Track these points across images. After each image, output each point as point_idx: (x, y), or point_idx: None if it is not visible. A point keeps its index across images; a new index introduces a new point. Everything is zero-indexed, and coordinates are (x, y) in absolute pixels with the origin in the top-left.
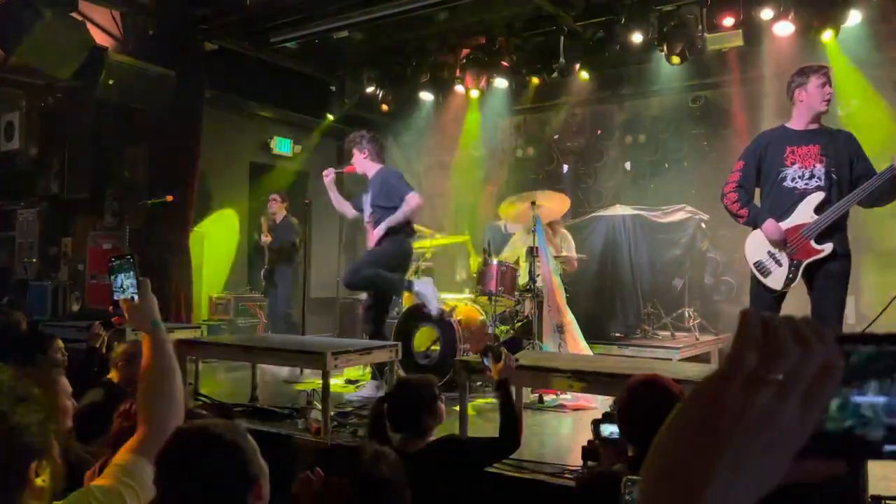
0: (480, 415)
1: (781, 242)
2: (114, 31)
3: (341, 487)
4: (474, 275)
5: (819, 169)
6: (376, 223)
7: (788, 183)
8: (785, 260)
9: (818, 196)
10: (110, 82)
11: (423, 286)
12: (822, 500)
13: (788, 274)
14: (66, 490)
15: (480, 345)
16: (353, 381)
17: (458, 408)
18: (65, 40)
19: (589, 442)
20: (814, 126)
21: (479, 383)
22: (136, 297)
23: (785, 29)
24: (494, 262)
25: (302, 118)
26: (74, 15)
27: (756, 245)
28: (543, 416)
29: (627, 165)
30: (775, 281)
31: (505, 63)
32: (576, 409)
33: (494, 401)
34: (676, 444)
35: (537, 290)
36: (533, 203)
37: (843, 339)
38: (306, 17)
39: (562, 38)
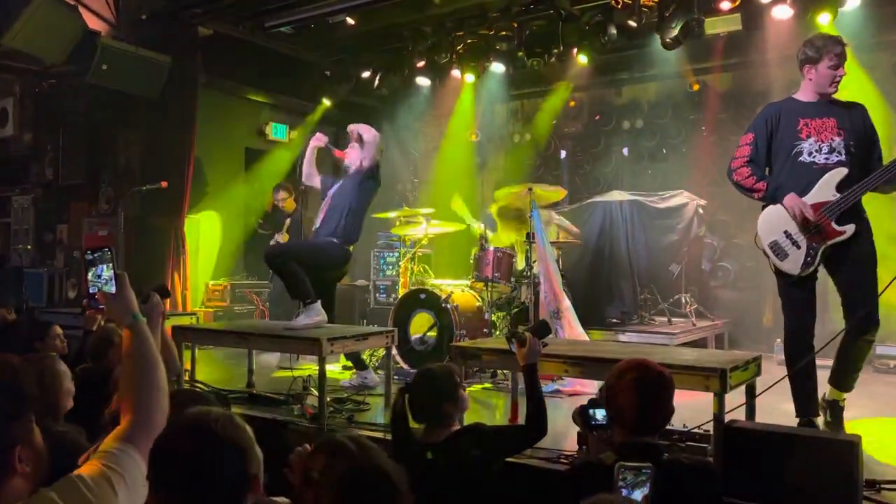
0: (476, 401)
1: (806, 219)
2: (107, 16)
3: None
4: (471, 261)
5: (838, 142)
6: (330, 210)
7: (805, 157)
8: (803, 241)
9: (841, 171)
10: (104, 67)
11: (306, 317)
12: (819, 486)
13: (806, 257)
14: (65, 470)
15: (477, 331)
16: (349, 366)
17: None
18: (57, 25)
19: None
20: (824, 100)
21: (475, 369)
22: (112, 290)
23: (783, 12)
24: (491, 248)
25: (297, 103)
26: None
27: (772, 223)
28: None
29: (625, 151)
30: (791, 265)
31: (502, 47)
32: (572, 395)
33: (491, 386)
34: None
35: (534, 276)
36: (529, 189)
37: None
38: (301, 1)
39: (559, 22)
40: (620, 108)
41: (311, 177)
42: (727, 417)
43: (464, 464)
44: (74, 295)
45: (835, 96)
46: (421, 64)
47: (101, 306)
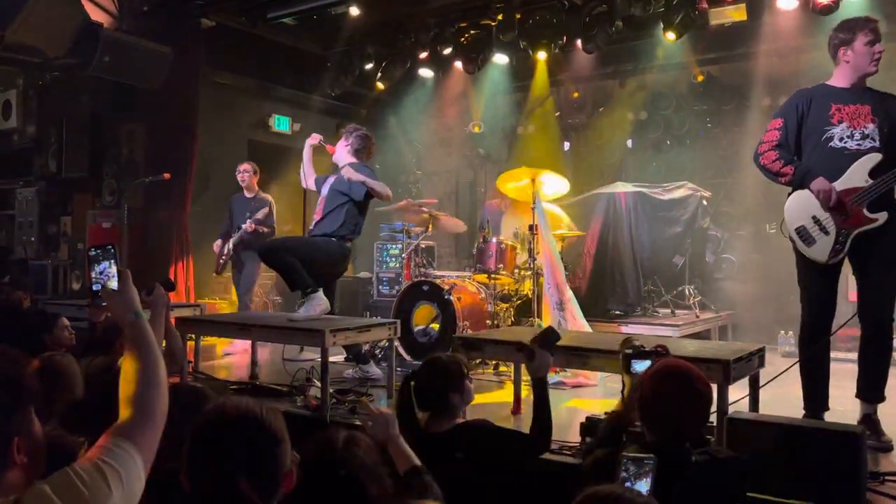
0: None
1: (835, 204)
2: (109, 8)
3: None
4: (473, 253)
5: (872, 129)
6: (326, 208)
7: (836, 143)
8: (833, 227)
9: (875, 157)
10: (106, 59)
11: (308, 307)
12: (823, 478)
13: (836, 244)
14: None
15: (480, 323)
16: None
17: None
18: (59, 17)
19: (587, 419)
20: (859, 86)
21: (478, 361)
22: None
23: (788, 2)
24: (493, 239)
25: (301, 95)
26: None
27: (799, 208)
28: None
29: (629, 143)
30: (819, 251)
31: (505, 39)
32: (575, 386)
33: (492, 371)
34: None
35: (537, 268)
36: (533, 180)
37: None
38: None
39: (563, 13)
40: (624, 99)
41: (309, 177)
42: (730, 409)
43: (465, 457)
44: (79, 287)
45: (868, 86)
46: (424, 55)
47: (104, 303)
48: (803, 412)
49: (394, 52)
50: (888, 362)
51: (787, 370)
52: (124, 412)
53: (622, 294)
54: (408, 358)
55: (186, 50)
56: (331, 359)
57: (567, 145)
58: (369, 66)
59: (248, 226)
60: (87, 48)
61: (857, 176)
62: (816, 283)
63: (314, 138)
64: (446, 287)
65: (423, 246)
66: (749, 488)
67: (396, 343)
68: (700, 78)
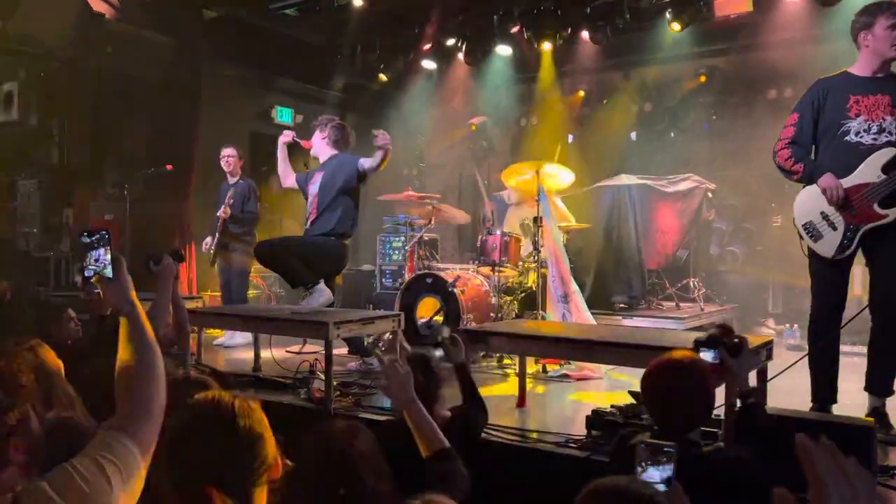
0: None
1: (840, 200)
2: None
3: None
4: (477, 245)
5: (889, 122)
6: (320, 206)
7: (852, 137)
8: (841, 223)
9: (889, 152)
10: (108, 50)
11: (311, 300)
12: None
13: (843, 240)
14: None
15: (484, 315)
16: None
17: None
18: (61, 8)
19: (593, 412)
20: (882, 73)
21: (482, 353)
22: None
23: None
24: (498, 232)
25: (303, 87)
26: None
27: (808, 204)
28: (548, 386)
29: (633, 135)
30: (826, 247)
31: (509, 30)
32: (580, 379)
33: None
34: None
35: (541, 260)
36: (537, 172)
37: None
38: None
39: (568, 4)
40: (628, 91)
41: (287, 176)
42: (738, 403)
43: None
44: (81, 279)
45: (894, 71)
46: (427, 47)
47: (97, 290)
48: (811, 405)
49: (396, 43)
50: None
51: (795, 363)
52: (121, 406)
53: (627, 287)
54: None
55: (188, 41)
56: (334, 351)
57: (571, 137)
58: (372, 57)
59: (221, 212)
60: (89, 39)
61: (869, 171)
62: (827, 276)
63: (287, 136)
64: (450, 279)
65: (427, 238)
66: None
67: (400, 336)
68: (703, 79)
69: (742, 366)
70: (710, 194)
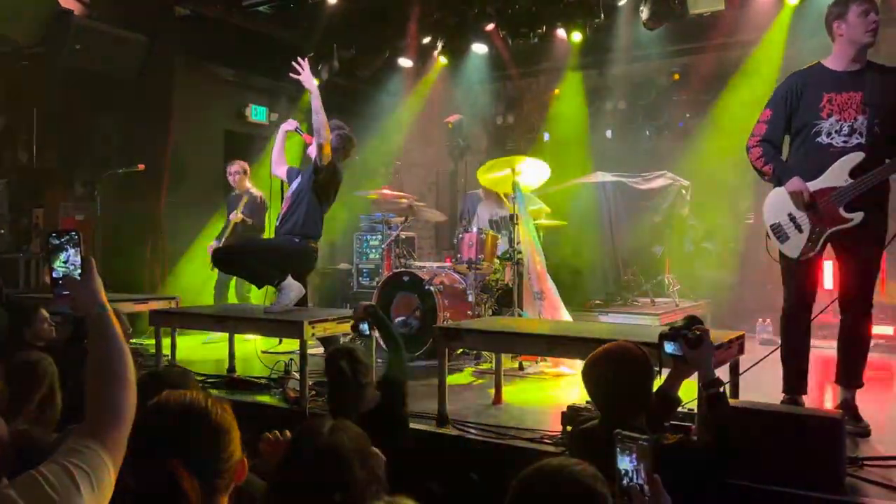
0: (458, 382)
1: (806, 204)
2: None
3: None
4: (454, 242)
5: (861, 122)
6: (291, 206)
7: (823, 139)
8: (807, 225)
9: (857, 156)
10: (77, 47)
11: (282, 298)
12: (803, 463)
13: (808, 242)
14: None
15: (461, 313)
16: None
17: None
18: (29, 4)
19: (569, 407)
20: (857, 65)
21: (459, 352)
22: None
23: None
24: (474, 229)
25: (278, 85)
26: None
27: (776, 205)
28: (523, 382)
29: (609, 133)
30: (792, 248)
31: (485, 27)
32: (556, 376)
33: (473, 370)
34: None
35: (517, 258)
36: (513, 169)
37: None
38: None
39: (543, 1)
40: (603, 89)
41: (279, 165)
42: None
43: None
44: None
45: (874, 60)
46: (403, 44)
47: (66, 292)
48: (782, 397)
49: (372, 41)
50: (866, 349)
51: (766, 356)
52: (91, 411)
53: (602, 283)
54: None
55: (161, 38)
56: (309, 351)
57: (547, 136)
58: (347, 55)
59: (233, 216)
60: (58, 36)
61: (837, 175)
62: (797, 271)
63: (290, 124)
64: (427, 278)
65: (404, 237)
66: (729, 475)
67: (377, 335)
68: (676, 77)
69: (702, 357)
70: (684, 191)
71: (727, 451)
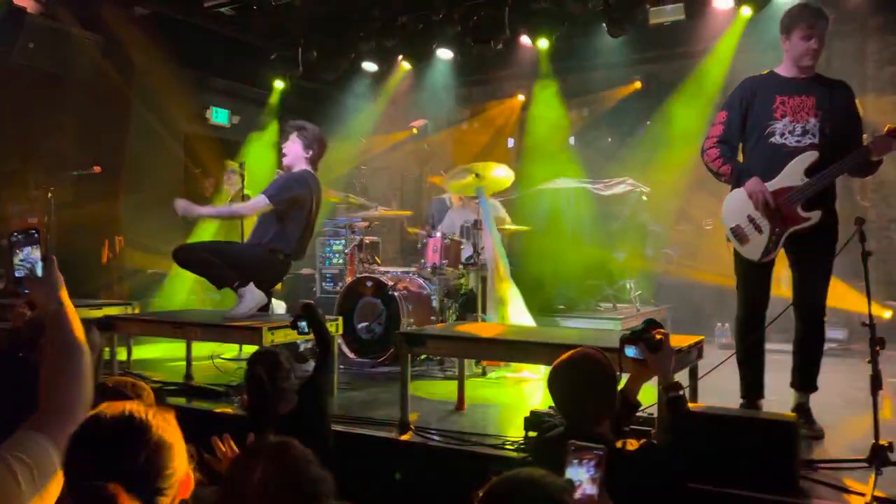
0: (421, 388)
1: (765, 204)
2: None
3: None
4: (418, 248)
5: (813, 124)
6: (258, 221)
7: (777, 139)
8: (766, 226)
9: (811, 155)
10: (31, 46)
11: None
12: (759, 466)
13: (768, 243)
14: None
15: (425, 319)
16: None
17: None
18: None
19: (531, 413)
20: (805, 75)
21: (422, 357)
22: (40, 273)
23: (724, 2)
24: (438, 234)
25: (240, 87)
26: None
27: (735, 207)
28: (487, 387)
29: (571, 140)
30: (752, 250)
31: (449, 33)
32: (519, 381)
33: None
34: None
35: (481, 263)
36: (476, 175)
37: None
38: None
39: (506, 8)
40: (567, 96)
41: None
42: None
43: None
44: (2, 286)
45: (822, 73)
46: (368, 48)
47: (27, 290)
48: (740, 401)
49: (336, 44)
50: (821, 353)
51: (724, 361)
52: (43, 405)
53: (565, 288)
54: (351, 355)
55: (118, 38)
56: None
57: (511, 141)
58: (311, 57)
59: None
60: (9, 34)
61: (792, 174)
62: (751, 277)
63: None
64: (391, 283)
65: (368, 241)
66: (687, 478)
67: (340, 340)
68: (638, 85)
69: (662, 361)
70: (644, 197)
71: (687, 455)
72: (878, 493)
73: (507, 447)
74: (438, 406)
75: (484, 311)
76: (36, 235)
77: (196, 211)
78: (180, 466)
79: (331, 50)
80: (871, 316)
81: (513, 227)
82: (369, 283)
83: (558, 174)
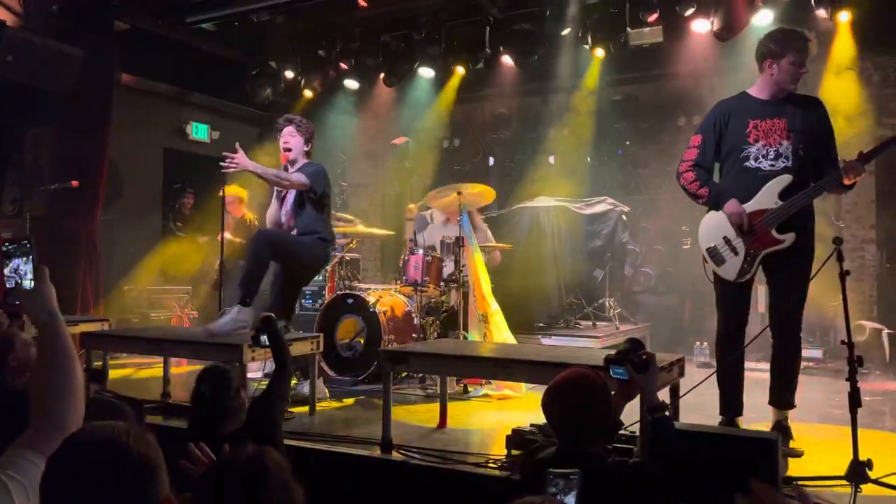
0: (403, 406)
1: (743, 227)
2: (14, 6)
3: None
4: (399, 265)
5: (786, 146)
6: (297, 211)
7: (751, 163)
8: (742, 248)
9: (785, 179)
10: (9, 59)
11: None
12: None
13: (743, 264)
14: None
15: (406, 336)
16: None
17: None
18: None
19: (513, 431)
20: (779, 96)
21: (403, 375)
22: (31, 284)
23: (701, 26)
24: (420, 251)
25: (220, 103)
26: None
27: (712, 229)
28: (468, 405)
29: (552, 159)
30: (729, 271)
31: (430, 52)
32: (500, 399)
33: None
34: None
35: (463, 280)
36: (459, 193)
37: None
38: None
39: (487, 28)
40: (547, 116)
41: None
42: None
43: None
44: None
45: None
46: (349, 66)
47: (17, 302)
48: (720, 419)
49: (318, 61)
50: (797, 371)
51: (705, 379)
52: (34, 420)
53: (545, 306)
54: (331, 373)
55: (99, 52)
56: (249, 375)
57: (492, 160)
58: (292, 74)
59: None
60: None
61: (767, 198)
62: (729, 296)
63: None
64: (372, 300)
65: (348, 258)
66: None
67: (319, 358)
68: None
69: (649, 381)
70: (624, 217)
71: (673, 474)
72: None
73: (490, 465)
74: (420, 424)
75: (465, 328)
76: (28, 245)
77: (248, 165)
78: (161, 491)
79: (312, 67)
80: (849, 334)
81: (494, 244)
82: (350, 300)
83: (539, 193)
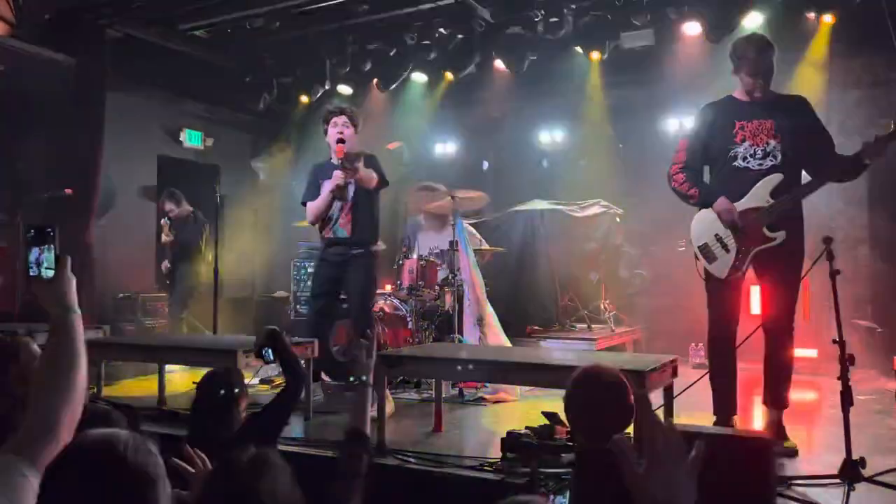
0: (398, 412)
1: (734, 223)
2: (5, 15)
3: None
4: (394, 269)
5: (774, 146)
6: (355, 207)
7: (740, 162)
8: (733, 245)
9: (776, 178)
10: (1, 68)
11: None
12: (736, 484)
13: (735, 262)
14: None
15: (401, 340)
16: (268, 380)
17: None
18: None
19: (508, 434)
20: (761, 97)
21: (399, 379)
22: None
23: (692, 29)
24: (414, 256)
25: (214, 110)
26: None
27: (703, 226)
28: (464, 409)
29: (545, 162)
30: (720, 268)
31: (423, 57)
32: (496, 402)
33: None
34: None
35: (457, 284)
36: (452, 197)
37: None
38: (218, 4)
39: (480, 33)
40: (540, 118)
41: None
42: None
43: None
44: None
45: (776, 92)
46: (343, 72)
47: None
48: (714, 419)
49: (312, 67)
50: (791, 370)
51: (699, 380)
52: (26, 421)
53: (540, 309)
54: (326, 378)
55: (91, 60)
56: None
57: (486, 164)
58: (286, 81)
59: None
60: None
61: (758, 196)
62: (721, 296)
63: (338, 177)
64: None
65: None
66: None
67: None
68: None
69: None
70: (618, 219)
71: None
72: None
73: (486, 469)
74: (416, 428)
75: (460, 332)
76: (51, 234)
77: (363, 175)
78: (163, 501)
79: (306, 73)
80: (840, 333)
81: (488, 248)
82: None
83: (533, 196)
